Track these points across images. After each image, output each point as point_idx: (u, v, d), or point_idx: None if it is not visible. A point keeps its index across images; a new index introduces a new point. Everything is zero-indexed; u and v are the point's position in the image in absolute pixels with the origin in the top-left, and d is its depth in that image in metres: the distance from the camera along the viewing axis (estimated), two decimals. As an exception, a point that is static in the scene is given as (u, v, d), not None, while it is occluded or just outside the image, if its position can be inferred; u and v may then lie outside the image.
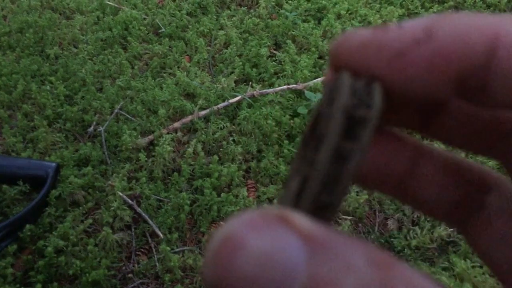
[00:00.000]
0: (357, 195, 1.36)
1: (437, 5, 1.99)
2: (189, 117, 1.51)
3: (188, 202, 1.30)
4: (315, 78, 1.64)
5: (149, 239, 1.26)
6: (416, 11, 1.98)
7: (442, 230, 1.28)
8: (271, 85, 1.64)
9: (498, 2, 2.01)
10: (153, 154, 1.40)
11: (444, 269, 1.22)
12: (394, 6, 1.98)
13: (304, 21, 1.90)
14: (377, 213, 1.37)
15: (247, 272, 0.12)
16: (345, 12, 1.93)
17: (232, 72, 1.68)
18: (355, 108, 0.16)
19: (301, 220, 0.14)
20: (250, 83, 1.65)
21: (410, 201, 0.21)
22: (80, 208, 1.27)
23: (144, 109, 1.52)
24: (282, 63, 1.71)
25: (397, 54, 0.16)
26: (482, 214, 0.19)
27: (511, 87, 0.15)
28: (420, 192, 0.20)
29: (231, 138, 1.47)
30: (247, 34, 1.83)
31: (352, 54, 0.17)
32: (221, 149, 1.44)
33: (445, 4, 2.00)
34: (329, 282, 0.12)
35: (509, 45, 0.15)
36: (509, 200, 0.18)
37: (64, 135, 1.45)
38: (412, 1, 2.01)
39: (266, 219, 0.13)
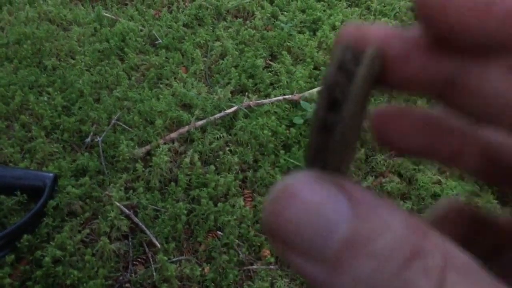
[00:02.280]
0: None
1: (430, 17, 2.02)
2: (186, 128, 1.52)
3: (185, 212, 1.30)
4: (310, 89, 1.65)
5: (146, 249, 1.27)
6: (409, 22, 2.01)
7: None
8: (267, 96, 1.65)
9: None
10: (150, 164, 1.41)
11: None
12: (388, 18, 2.01)
13: (299, 32, 1.92)
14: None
15: (296, 217, 0.14)
16: (339, 24, 1.95)
17: (228, 83, 1.70)
18: (338, 82, 0.17)
19: (351, 185, 0.15)
20: (247, 93, 1.66)
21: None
22: (78, 218, 1.27)
23: (141, 120, 1.53)
24: (278, 74, 1.73)
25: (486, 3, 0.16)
26: None
27: None
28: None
29: (227, 148, 1.48)
30: (243, 45, 1.85)
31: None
32: (217, 159, 1.45)
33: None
34: (367, 236, 0.14)
35: None
36: None
37: (61, 145, 1.46)
38: (405, 13, 2.04)
39: (320, 179, 0.15)
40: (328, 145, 0.17)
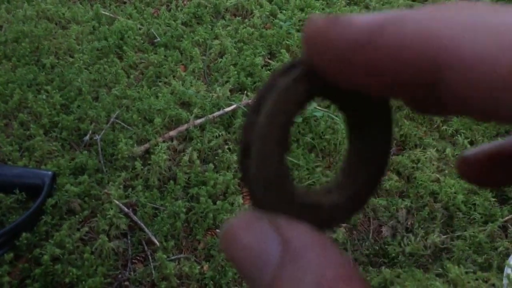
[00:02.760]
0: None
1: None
2: (185, 126, 1.52)
3: (184, 210, 1.31)
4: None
5: (145, 247, 1.27)
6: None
7: (436, 237, 1.30)
8: (266, 94, 1.65)
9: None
10: (149, 162, 1.41)
11: (438, 275, 1.23)
12: (387, 16, 2.01)
13: (298, 30, 1.92)
14: (371, 220, 1.38)
15: (237, 256, 0.17)
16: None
17: (227, 81, 1.70)
18: (250, 123, 0.18)
19: (288, 225, 0.17)
20: (245, 92, 1.66)
21: None
22: (76, 216, 1.27)
23: (140, 118, 1.53)
24: (277, 72, 1.72)
25: (341, 53, 0.16)
26: None
27: (462, 103, 0.15)
28: None
29: (226, 147, 1.49)
30: (242, 44, 1.85)
31: (308, 43, 0.17)
32: (216, 157, 1.45)
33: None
34: (289, 277, 0.16)
35: (457, 66, 0.14)
36: None
37: (60, 143, 1.46)
38: (404, 11, 2.04)
39: (258, 220, 0.18)
40: (254, 192, 0.18)
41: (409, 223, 1.37)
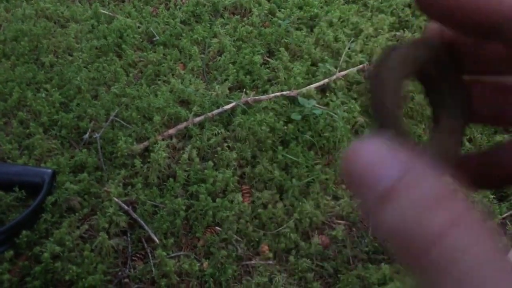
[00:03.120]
0: (351, 199, 1.37)
1: (427, 13, 2.02)
2: (184, 124, 1.53)
3: (184, 207, 1.31)
4: (308, 85, 1.66)
5: (145, 245, 1.27)
6: (407, 19, 2.01)
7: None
8: (265, 92, 1.66)
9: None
10: (148, 160, 1.41)
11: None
12: (385, 14, 2.01)
13: (297, 29, 1.92)
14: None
15: (357, 169, 0.19)
16: (337, 20, 1.95)
17: (226, 79, 1.70)
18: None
19: (409, 153, 0.19)
20: (244, 90, 1.67)
21: None
22: (76, 214, 1.28)
23: (139, 116, 1.54)
24: (276, 70, 1.73)
25: None
26: None
27: None
28: None
29: (225, 144, 1.49)
30: (241, 42, 1.85)
31: None
32: (216, 155, 1.46)
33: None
34: (407, 185, 0.18)
35: None
36: None
37: (59, 142, 1.46)
38: (402, 9, 2.05)
39: (385, 144, 0.19)
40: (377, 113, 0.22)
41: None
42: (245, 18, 1.99)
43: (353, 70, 1.73)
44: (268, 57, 1.83)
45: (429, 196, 0.17)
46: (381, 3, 2.09)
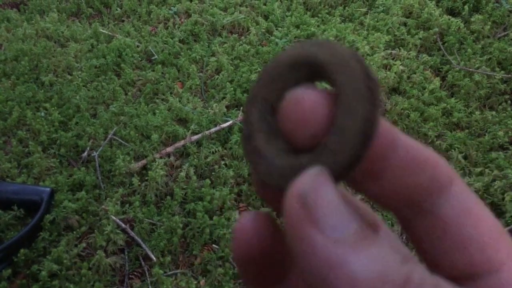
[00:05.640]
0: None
1: (422, 32, 2.05)
2: (182, 142, 1.54)
3: (181, 225, 1.32)
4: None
5: (142, 263, 1.28)
6: (402, 37, 2.04)
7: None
8: (262, 110, 1.67)
9: (482, 28, 2.07)
10: (146, 178, 1.42)
11: None
12: (381, 33, 2.04)
13: (293, 47, 1.94)
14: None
15: (328, 203, 0.17)
16: (333, 39, 1.98)
17: (223, 98, 1.72)
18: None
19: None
20: (241, 108, 1.68)
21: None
22: (74, 232, 1.28)
23: (137, 134, 1.55)
24: (273, 88, 1.74)
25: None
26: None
27: None
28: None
29: (223, 162, 1.50)
30: (238, 61, 1.87)
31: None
32: (213, 173, 1.47)
33: (430, 30, 2.06)
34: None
35: None
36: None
37: (58, 160, 1.48)
38: (398, 28, 2.07)
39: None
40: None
41: (404, 237, 1.38)
42: (242, 37, 2.02)
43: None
44: (265, 75, 1.85)
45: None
46: (377, 21, 2.11)
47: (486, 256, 0.19)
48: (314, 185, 0.17)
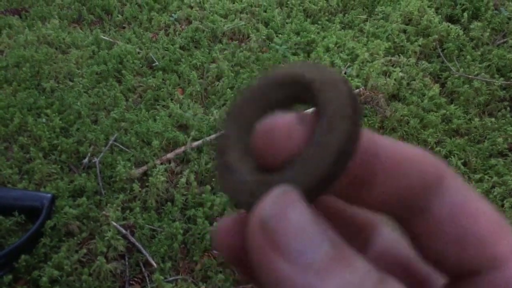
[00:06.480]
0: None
1: (422, 39, 2.06)
2: (182, 148, 1.55)
3: (181, 231, 1.32)
4: (305, 110, 1.68)
5: (143, 269, 1.28)
6: (402, 44, 2.05)
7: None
8: (262, 116, 1.68)
9: (481, 35, 2.08)
10: (146, 184, 1.43)
11: None
12: (381, 40, 2.05)
13: (294, 54, 1.95)
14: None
15: (295, 227, 0.16)
16: (333, 46, 1.99)
17: (224, 104, 1.73)
18: None
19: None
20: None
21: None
22: (75, 238, 1.29)
23: (138, 141, 1.56)
24: (273, 95, 1.75)
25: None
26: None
27: None
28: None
29: (223, 168, 1.50)
30: (239, 67, 1.88)
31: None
32: (213, 179, 1.47)
33: (430, 37, 2.07)
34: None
35: None
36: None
37: (59, 166, 1.48)
38: (398, 35, 2.08)
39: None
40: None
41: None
42: (243, 44, 2.03)
43: (349, 94, 1.75)
44: (265, 82, 1.85)
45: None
46: (377, 28, 2.12)
47: (486, 252, 0.18)
48: (278, 206, 0.16)
